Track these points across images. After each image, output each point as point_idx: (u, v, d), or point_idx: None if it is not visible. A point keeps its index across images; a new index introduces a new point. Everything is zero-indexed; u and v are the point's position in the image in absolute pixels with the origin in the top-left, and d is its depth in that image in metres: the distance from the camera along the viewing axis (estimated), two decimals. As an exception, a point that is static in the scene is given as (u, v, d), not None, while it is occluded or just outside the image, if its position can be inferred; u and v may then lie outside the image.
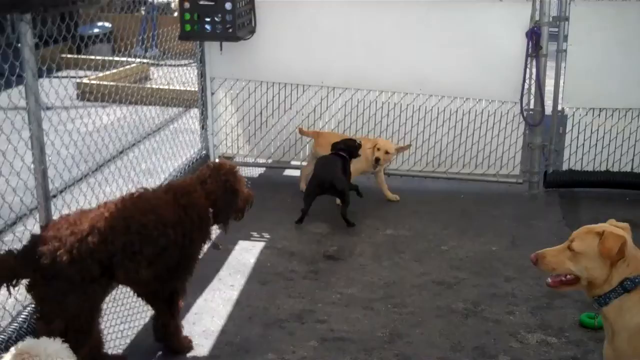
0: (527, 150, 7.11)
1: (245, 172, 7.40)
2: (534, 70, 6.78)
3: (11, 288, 3.38)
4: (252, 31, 6.85)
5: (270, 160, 7.51)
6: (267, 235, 5.75)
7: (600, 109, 6.93)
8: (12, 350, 2.86)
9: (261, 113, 7.27)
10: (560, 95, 6.95)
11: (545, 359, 4.06)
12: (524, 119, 6.89)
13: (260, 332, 4.24)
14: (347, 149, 6.37)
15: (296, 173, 7.54)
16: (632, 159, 7.01)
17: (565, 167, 7.14)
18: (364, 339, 4.20)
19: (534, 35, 6.60)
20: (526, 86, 6.83)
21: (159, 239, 3.68)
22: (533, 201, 6.95)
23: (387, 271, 5.18)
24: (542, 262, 3.07)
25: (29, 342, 2.91)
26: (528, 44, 6.64)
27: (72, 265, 3.39)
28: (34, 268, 3.37)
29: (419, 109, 7.11)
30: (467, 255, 5.48)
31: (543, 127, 7.02)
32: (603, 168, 7.07)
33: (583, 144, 7.06)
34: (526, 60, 6.71)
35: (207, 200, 3.99)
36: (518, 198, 6.96)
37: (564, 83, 6.87)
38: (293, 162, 7.47)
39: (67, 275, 3.39)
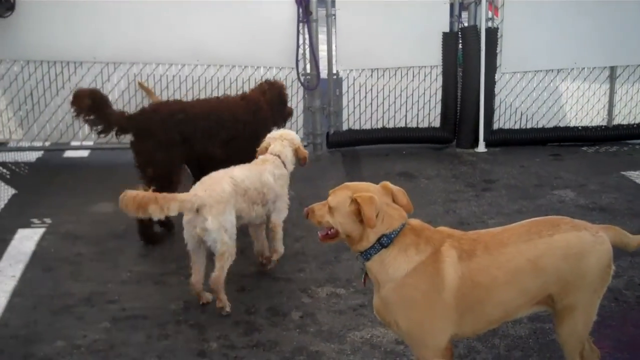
0: (308, 114, 7.30)
1: (20, 157, 7.02)
2: (307, 35, 6.96)
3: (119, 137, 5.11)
4: (10, 8, 6.42)
5: (47, 143, 7.13)
6: (48, 220, 5.48)
7: (371, 69, 7.28)
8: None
9: (32, 94, 6.88)
10: (334, 59, 7.19)
11: (335, 309, 4.23)
12: (301, 83, 7.07)
13: (47, 321, 4.05)
14: None
15: (76, 154, 7.24)
16: (405, 115, 7.44)
17: (345, 127, 7.43)
18: (157, 314, 4.15)
19: (302, 1, 6.77)
20: (300, 51, 7.00)
21: (231, 129, 5.27)
22: (318, 162, 7.16)
23: (178, 244, 5.10)
24: (312, 215, 3.15)
25: None
26: (298, 10, 6.80)
27: (162, 131, 4.98)
28: (136, 128, 5.01)
29: (199, 79, 7.07)
30: (257, 220, 5.55)
31: (321, 90, 7.25)
32: (380, 126, 7.44)
33: (360, 104, 7.39)
34: (298, 26, 6.87)
35: (267, 106, 5.52)
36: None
37: (336, 47, 7.11)
38: (73, 143, 7.15)
39: (157, 137, 4.98)
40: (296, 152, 4.81)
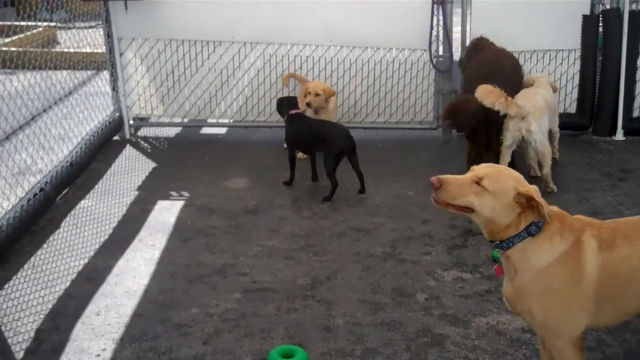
0: (439, 97, 7.26)
1: (160, 132, 7.36)
2: (441, 17, 6.91)
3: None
4: (157, -12, 6.75)
5: (185, 120, 7.46)
6: (186, 194, 5.74)
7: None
8: None
9: (173, 72, 7.20)
10: (467, 41, 7.08)
11: (461, 294, 4.22)
12: (433, 66, 7.03)
13: (183, 289, 4.27)
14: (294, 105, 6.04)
15: (212, 131, 7.53)
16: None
17: (475, 110, 7.31)
18: (286, 288, 4.28)
19: (439, -18, 6.73)
20: (434, 33, 6.96)
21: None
22: (446, 146, 7.13)
23: (307, 221, 5.26)
24: (445, 188, 2.85)
25: None
26: (433, -9, 6.76)
27: (467, 116, 5.67)
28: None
29: (331, 60, 7.17)
30: (385, 202, 5.61)
31: (452, 73, 7.18)
32: (512, 110, 7.27)
33: (492, 88, 7.24)
34: (432, 8, 6.83)
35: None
36: (432, 143, 7.14)
37: (470, 29, 7.01)
38: (209, 120, 7.44)
39: (464, 122, 5.82)
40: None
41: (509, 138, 5.56)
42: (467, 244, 4.87)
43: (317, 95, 6.25)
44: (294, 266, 4.57)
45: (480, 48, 6.43)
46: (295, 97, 6.17)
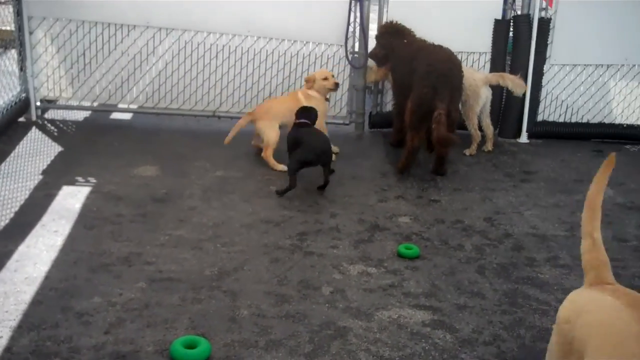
0: (352, 92, 7.34)
1: (69, 116, 7.17)
2: (358, 14, 6.98)
3: None
4: (72, -34, 6.57)
5: (95, 104, 7.29)
6: (92, 180, 5.62)
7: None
8: None
9: (84, 54, 7.02)
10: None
11: (366, 287, 4.29)
12: (348, 61, 7.10)
13: (86, 277, 4.18)
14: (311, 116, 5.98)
15: (122, 116, 7.38)
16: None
17: (388, 108, 7.44)
18: (192, 278, 4.25)
19: (356, -21, 6.80)
20: (351, 29, 7.03)
21: None
22: (359, 141, 7.22)
23: (216, 212, 5.24)
24: None
25: None
26: (352, -12, 6.82)
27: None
28: None
29: (248, 50, 7.14)
30: (296, 194, 5.63)
31: (367, 69, 7.27)
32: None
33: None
34: (350, 4, 6.90)
35: None
36: (345, 138, 7.21)
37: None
38: (120, 105, 7.29)
39: None
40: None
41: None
42: (373, 239, 4.95)
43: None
44: (201, 256, 4.54)
45: (400, 36, 6.60)
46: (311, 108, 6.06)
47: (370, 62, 7.09)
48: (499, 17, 7.23)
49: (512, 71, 7.23)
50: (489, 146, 6.96)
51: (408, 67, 6.26)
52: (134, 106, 7.30)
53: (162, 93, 7.19)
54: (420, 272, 4.53)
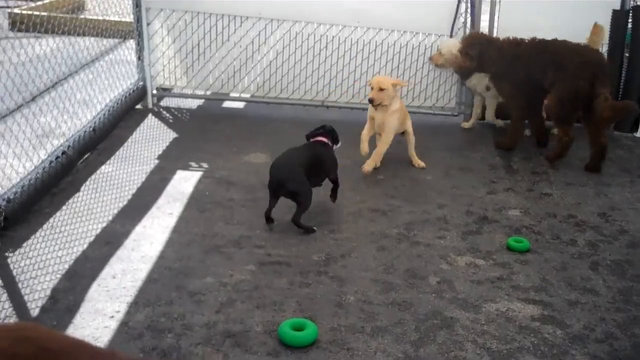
0: (461, 84, 7.24)
1: (183, 104, 7.40)
2: (469, 4, 6.88)
3: None
4: (189, -40, 6.77)
5: (208, 92, 7.49)
6: (205, 165, 5.78)
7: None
8: None
9: (198, 44, 7.21)
10: (495, 29, 7.06)
11: (473, 279, 4.24)
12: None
13: (198, 258, 4.32)
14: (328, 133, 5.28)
15: (234, 105, 7.55)
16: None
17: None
18: (300, 263, 4.32)
19: (467, -31, 6.70)
20: (462, 20, 6.93)
21: None
22: (467, 132, 7.12)
23: (324, 200, 5.28)
24: None
25: None
26: (462, -22, 6.72)
27: None
28: None
29: (357, 42, 7.16)
30: (403, 184, 5.63)
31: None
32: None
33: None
34: (460, -5, 6.80)
35: None
36: (453, 130, 7.14)
37: (498, 17, 6.98)
38: (232, 94, 7.46)
39: None
40: None
41: None
42: (481, 231, 4.88)
43: (380, 90, 5.70)
44: (308, 242, 4.61)
45: (492, 43, 6.45)
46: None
47: (443, 44, 6.85)
48: (617, 7, 6.95)
49: (631, 61, 6.95)
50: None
51: (532, 67, 6.19)
52: (245, 95, 7.45)
53: (272, 83, 7.30)
54: (531, 266, 4.43)
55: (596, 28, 6.70)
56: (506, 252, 4.60)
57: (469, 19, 7.00)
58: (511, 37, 6.44)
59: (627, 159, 6.45)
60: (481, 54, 6.37)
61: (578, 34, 6.88)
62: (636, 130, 7.12)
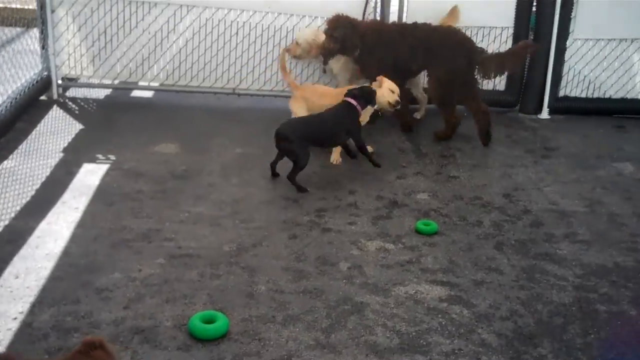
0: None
1: (90, 94, 7.22)
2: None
3: None
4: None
5: (116, 81, 7.32)
6: (113, 158, 5.66)
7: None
8: None
9: (105, 32, 7.03)
10: (405, 13, 7.12)
11: (383, 263, 4.31)
12: (367, 36, 7.04)
13: (106, 253, 4.24)
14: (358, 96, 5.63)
15: (143, 94, 7.42)
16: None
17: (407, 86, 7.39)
18: (210, 254, 4.29)
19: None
20: (371, 4, 6.98)
21: None
22: (381, 120, 7.18)
23: (235, 189, 5.27)
24: None
25: None
26: (370, -39, 6.76)
27: None
28: None
29: (268, 28, 7.12)
30: (314, 171, 5.65)
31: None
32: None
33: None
34: (369, -21, 6.84)
35: None
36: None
37: (407, 2, 7.05)
38: (141, 83, 7.32)
39: None
40: None
41: None
42: (391, 215, 4.96)
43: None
44: (219, 233, 4.58)
45: (357, 25, 6.41)
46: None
47: (299, 34, 6.78)
48: (521, -8, 7.14)
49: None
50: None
51: (399, 50, 6.29)
52: (154, 84, 7.33)
53: (182, 71, 7.19)
54: (438, 248, 4.53)
55: (454, 10, 6.92)
56: (415, 236, 4.69)
57: (379, 4, 7.05)
58: (373, 21, 6.59)
59: (531, 140, 6.65)
60: (345, 36, 6.35)
61: (485, 17, 7.07)
62: (540, 112, 7.34)
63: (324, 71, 7.07)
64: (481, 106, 6.37)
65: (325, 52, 6.53)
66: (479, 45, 6.52)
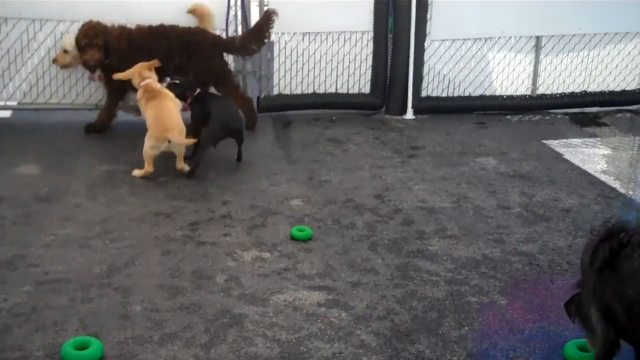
0: (239, 77, 7.28)
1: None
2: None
3: None
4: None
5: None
6: (-31, 183, 5.37)
7: (303, 33, 7.29)
8: None
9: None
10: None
11: (260, 272, 4.29)
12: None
13: (-33, 285, 4.01)
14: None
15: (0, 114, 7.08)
16: (335, 81, 7.50)
17: (276, 91, 7.45)
18: (80, 278, 4.13)
19: (232, -37, 6.76)
20: (232, 14, 6.96)
21: None
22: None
23: (104, 207, 5.11)
24: None
25: None
26: (231, -29, 6.76)
27: None
28: None
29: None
30: (185, 184, 5.57)
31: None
32: (310, 91, 7.49)
33: (291, 69, 7.41)
34: (228, -13, 6.83)
35: None
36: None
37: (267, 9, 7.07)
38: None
39: None
40: None
41: None
42: (266, 224, 4.95)
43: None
44: (89, 254, 4.43)
45: (109, 30, 6.45)
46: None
47: (65, 41, 6.59)
48: (378, -2, 7.32)
49: (395, 49, 7.36)
50: None
51: (153, 53, 6.24)
52: (11, 103, 7.00)
53: (40, 88, 6.92)
54: (314, 254, 4.56)
55: (204, 13, 6.93)
56: (291, 242, 4.70)
57: (239, 12, 7.04)
58: (121, 26, 6.54)
59: (398, 141, 6.82)
60: (106, 43, 6.34)
61: (346, 23, 7.20)
62: (405, 113, 7.54)
63: (94, 79, 6.83)
64: (243, 95, 6.92)
65: (92, 63, 6.35)
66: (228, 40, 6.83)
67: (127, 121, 6.76)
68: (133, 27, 6.55)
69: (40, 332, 3.60)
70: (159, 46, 6.37)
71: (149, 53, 6.23)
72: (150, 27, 6.52)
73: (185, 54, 6.46)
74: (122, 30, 6.45)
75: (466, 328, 3.80)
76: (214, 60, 6.62)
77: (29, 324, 3.67)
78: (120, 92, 6.58)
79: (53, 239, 4.59)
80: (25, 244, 4.50)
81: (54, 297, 3.93)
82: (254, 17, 7.17)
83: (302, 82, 7.46)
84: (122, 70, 6.03)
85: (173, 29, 6.54)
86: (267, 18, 6.66)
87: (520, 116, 7.75)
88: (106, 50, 6.32)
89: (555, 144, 6.81)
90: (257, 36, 6.70)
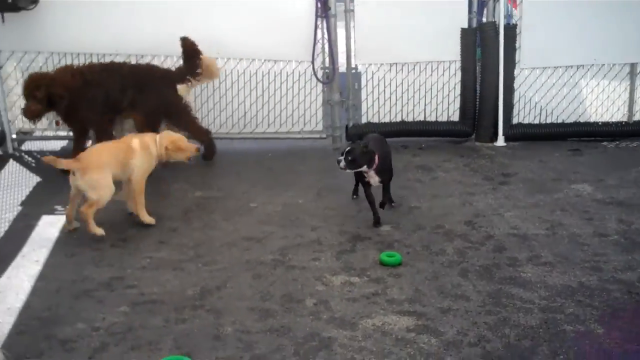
0: (327, 107, 7.37)
1: (45, 146, 7.16)
2: (325, 30, 7.04)
3: None
4: (35, 0, 6.61)
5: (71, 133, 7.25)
6: (71, 208, 5.59)
7: (390, 64, 7.33)
8: None
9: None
10: (352, 53, 7.24)
11: (349, 297, 4.29)
12: (317, 78, 7.14)
13: (68, 304, 4.17)
14: None
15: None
16: (424, 109, 7.48)
17: (364, 120, 7.49)
18: (174, 299, 4.24)
19: (320, -4, 6.90)
20: (320, 46, 7.07)
21: None
22: (337, 154, 7.23)
23: (197, 232, 5.23)
24: None
25: None
26: (317, 5, 6.87)
27: None
28: None
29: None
30: (275, 210, 5.65)
31: (339, 84, 7.31)
32: (399, 119, 7.50)
33: (378, 98, 7.45)
34: (316, 21, 6.94)
35: None
36: (323, 152, 7.24)
37: (354, 41, 7.17)
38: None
39: None
40: None
41: None
42: (355, 249, 4.96)
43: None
44: (183, 277, 4.54)
45: (57, 77, 6.30)
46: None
47: None
48: (465, 25, 7.29)
49: (483, 77, 7.31)
50: None
51: (109, 90, 6.38)
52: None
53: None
54: (404, 279, 4.54)
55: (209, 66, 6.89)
56: (379, 268, 4.69)
57: (326, 45, 7.14)
58: (70, 66, 6.52)
59: (489, 168, 6.73)
60: (49, 94, 6.18)
61: (433, 52, 7.20)
62: (496, 140, 7.44)
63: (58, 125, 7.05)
64: (200, 128, 6.83)
65: (31, 115, 6.28)
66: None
67: (217, 150, 6.93)
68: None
69: (135, 351, 3.70)
70: (113, 82, 6.42)
71: (104, 89, 6.37)
72: (101, 64, 6.65)
73: (137, 89, 6.49)
74: (73, 70, 6.40)
75: (561, 357, 3.68)
76: (165, 93, 6.58)
77: (125, 342, 3.78)
78: (83, 132, 6.59)
79: (149, 261, 4.73)
80: (122, 266, 4.66)
81: (149, 317, 4.04)
82: (342, 49, 7.28)
83: (390, 110, 7.49)
84: (80, 108, 6.23)
85: (124, 64, 6.66)
86: (186, 45, 6.58)
87: (617, 142, 7.52)
88: (50, 100, 6.21)
89: (654, 170, 6.58)
90: (190, 66, 6.64)
